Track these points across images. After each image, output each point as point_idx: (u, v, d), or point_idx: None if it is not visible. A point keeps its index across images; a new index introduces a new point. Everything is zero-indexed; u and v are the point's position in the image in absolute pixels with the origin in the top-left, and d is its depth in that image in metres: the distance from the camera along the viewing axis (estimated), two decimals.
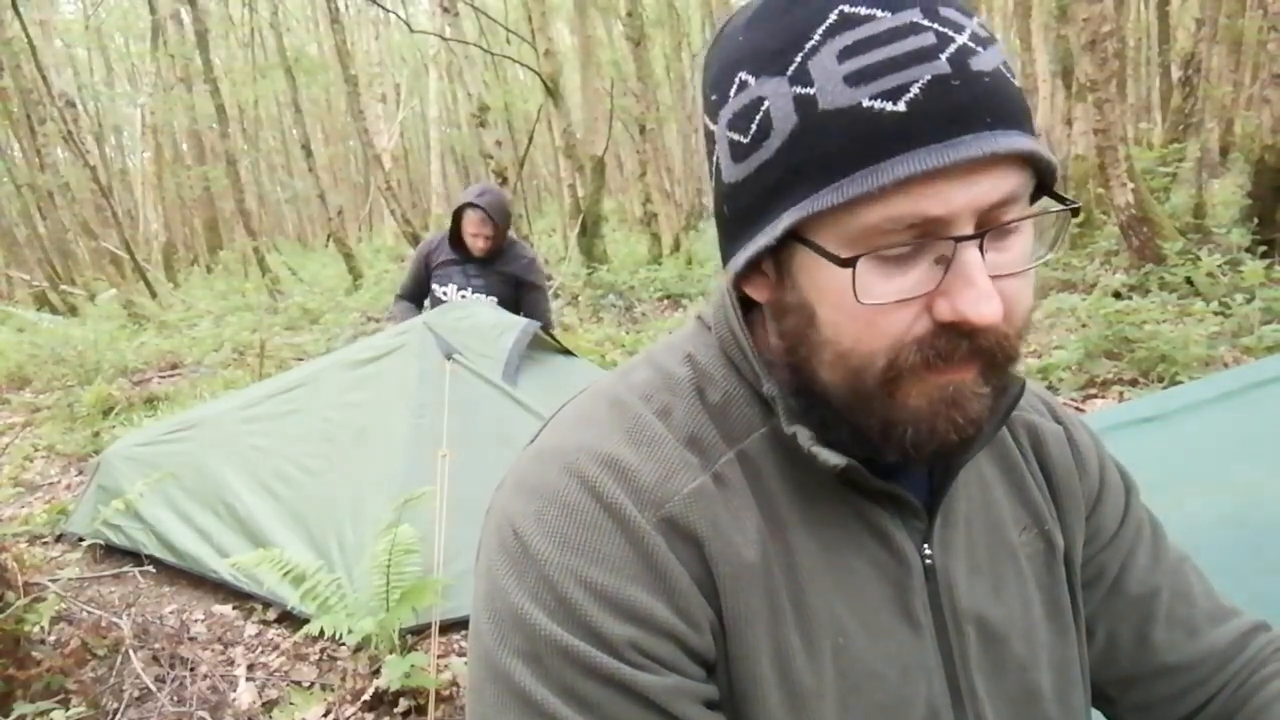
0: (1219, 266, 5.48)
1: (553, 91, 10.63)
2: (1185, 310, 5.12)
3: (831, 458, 0.56)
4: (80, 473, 4.66)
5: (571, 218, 11.84)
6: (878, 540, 0.61)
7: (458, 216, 3.56)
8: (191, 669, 2.59)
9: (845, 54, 0.49)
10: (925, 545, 0.63)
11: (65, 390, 6.37)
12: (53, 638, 2.47)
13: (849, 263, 0.50)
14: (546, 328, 3.73)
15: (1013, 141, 0.49)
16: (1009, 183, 0.50)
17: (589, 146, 11.79)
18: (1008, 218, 0.51)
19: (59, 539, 3.60)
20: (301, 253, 22.83)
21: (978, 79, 0.49)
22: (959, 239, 0.50)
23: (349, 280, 12.84)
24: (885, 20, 0.49)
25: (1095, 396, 4.31)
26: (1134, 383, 4.36)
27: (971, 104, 0.48)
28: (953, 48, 0.49)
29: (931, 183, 0.48)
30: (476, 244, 3.55)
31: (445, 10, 9.73)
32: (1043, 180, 0.54)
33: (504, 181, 9.60)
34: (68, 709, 2.12)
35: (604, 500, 0.56)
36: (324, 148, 27.84)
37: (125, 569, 3.22)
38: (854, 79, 0.49)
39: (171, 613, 2.97)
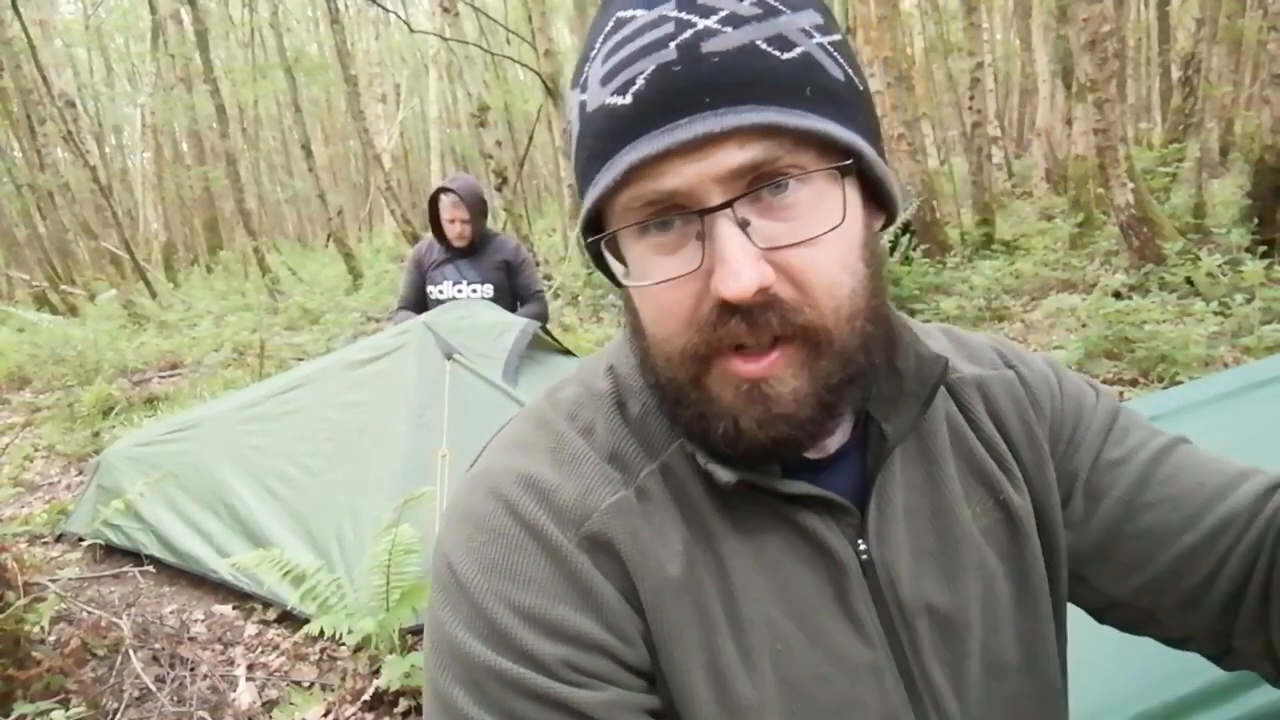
0: (1219, 266, 5.47)
1: (553, 91, 10.63)
2: (1185, 310, 5.12)
3: (724, 475, 0.56)
4: (80, 473, 4.66)
5: (571, 218, 11.85)
6: (808, 542, 0.60)
7: (434, 206, 3.60)
8: (191, 669, 2.59)
9: (606, 57, 0.52)
10: (860, 540, 0.61)
11: (65, 390, 6.36)
12: (53, 638, 2.46)
13: (595, 245, 0.55)
14: (542, 309, 3.77)
15: (732, 118, 0.48)
16: (751, 151, 0.49)
17: None
18: (763, 182, 0.51)
19: (59, 539, 3.60)
20: (301, 253, 22.81)
21: (704, 60, 0.49)
22: (704, 212, 0.50)
23: (349, 280, 12.84)
24: (640, 18, 0.51)
25: None
26: (1134, 383, 4.36)
27: (691, 87, 0.49)
28: (688, 34, 0.49)
29: (659, 165, 0.50)
30: (454, 229, 3.58)
31: (445, 10, 9.73)
32: (854, 153, 0.53)
33: (504, 181, 9.60)
34: (68, 709, 2.12)
35: (525, 522, 0.57)
36: (324, 148, 27.84)
37: (125, 569, 3.22)
38: (605, 79, 0.52)
39: (171, 613, 2.97)
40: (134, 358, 7.66)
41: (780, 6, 0.51)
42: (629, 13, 0.52)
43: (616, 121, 0.51)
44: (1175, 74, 11.42)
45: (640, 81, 0.50)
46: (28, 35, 11.41)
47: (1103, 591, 0.69)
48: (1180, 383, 3.80)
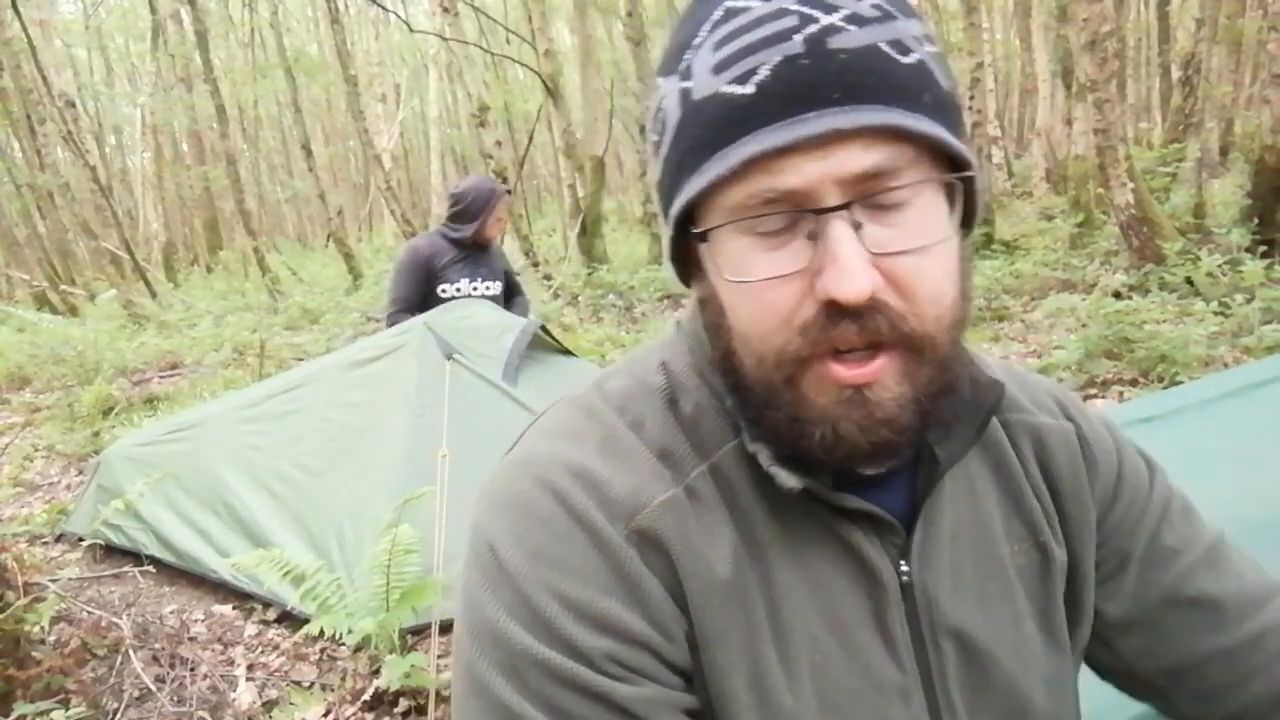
0: (1219, 266, 5.47)
1: (553, 91, 10.64)
2: (1185, 310, 5.12)
3: (789, 480, 0.55)
4: (80, 473, 4.66)
5: (571, 218, 11.86)
6: (852, 558, 0.60)
7: (493, 207, 3.54)
8: (191, 669, 2.59)
9: (718, 46, 0.51)
10: (903, 561, 0.61)
11: (65, 390, 6.37)
12: (53, 638, 2.47)
13: (703, 237, 0.53)
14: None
15: (862, 116, 0.48)
16: (875, 154, 0.49)
17: (589, 146, 11.78)
18: (888, 186, 0.50)
19: (59, 539, 3.60)
20: (301, 253, 22.81)
21: (832, 57, 0.48)
22: (820, 211, 0.49)
23: (349, 280, 12.84)
24: (756, 9, 0.50)
25: (1095, 396, 4.31)
26: (1134, 383, 4.36)
27: (819, 81, 0.48)
28: (813, 28, 0.49)
29: (779, 160, 0.49)
30: (499, 228, 3.65)
31: (445, 10, 9.73)
32: (957, 158, 0.53)
33: (504, 181, 9.60)
34: (68, 709, 2.12)
35: (575, 512, 0.56)
36: (324, 148, 27.83)
37: (125, 569, 3.22)
38: (718, 68, 0.51)
39: (171, 613, 2.97)
40: (134, 358, 7.66)
41: (895, 12, 0.51)
42: (742, 3, 0.51)
43: (735, 111, 0.50)
44: (1175, 74, 11.42)
45: (764, 72, 0.49)
46: (28, 35, 11.42)
47: (1125, 659, 0.71)
48: (1180, 383, 3.80)
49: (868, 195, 0.49)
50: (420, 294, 3.69)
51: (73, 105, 13.83)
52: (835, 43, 0.49)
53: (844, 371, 0.51)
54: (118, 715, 2.35)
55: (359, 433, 3.13)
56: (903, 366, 0.52)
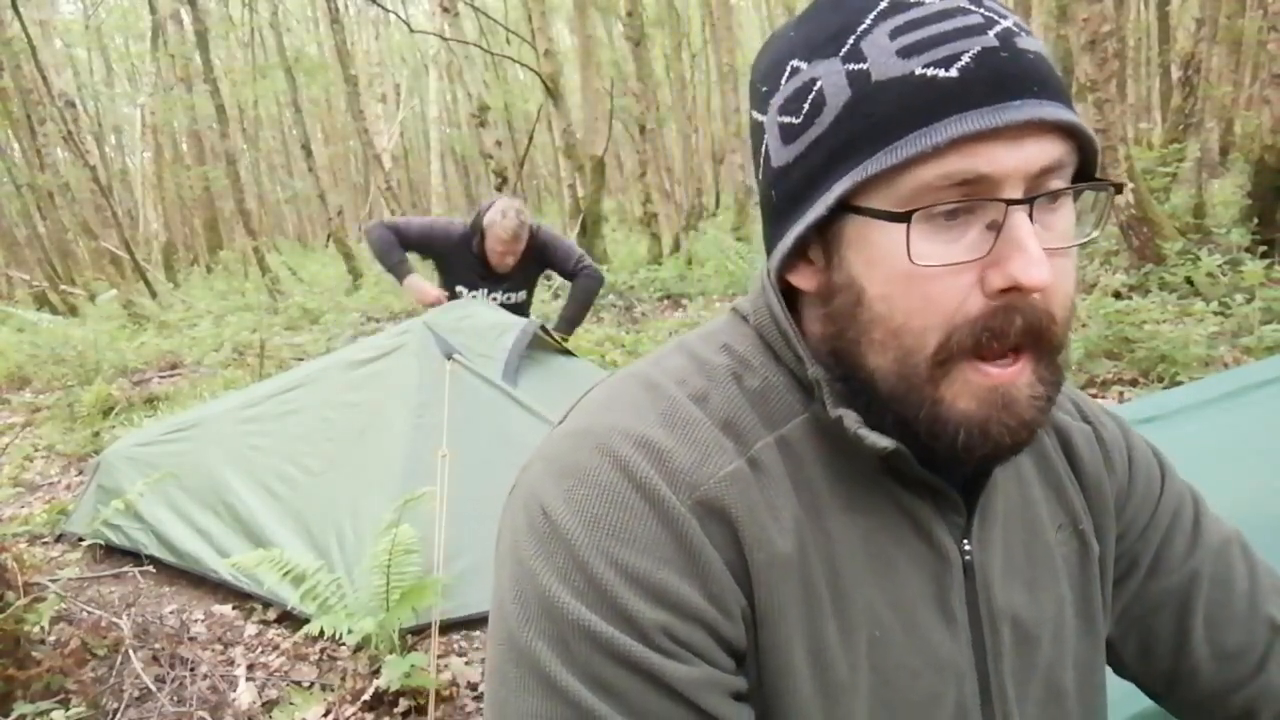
0: (1219, 266, 5.47)
1: (553, 91, 10.63)
2: (1185, 310, 5.11)
3: (880, 440, 0.55)
4: (80, 473, 4.66)
5: (571, 218, 11.85)
6: (918, 534, 0.60)
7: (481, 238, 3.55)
8: (191, 669, 2.59)
9: (897, 32, 0.52)
10: (965, 541, 0.62)
11: (65, 390, 6.36)
12: (53, 638, 2.46)
13: (904, 217, 0.51)
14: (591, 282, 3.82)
15: (1059, 111, 0.51)
16: (1055, 151, 0.51)
17: (589, 146, 11.78)
18: (1054, 187, 0.52)
19: (59, 539, 3.60)
20: (301, 253, 22.82)
21: (1024, 54, 0.51)
22: (1010, 202, 0.50)
23: (349, 280, 12.83)
24: (933, 4, 0.52)
25: (1095, 396, 4.31)
26: (1134, 383, 4.36)
27: (1020, 73, 0.51)
28: (999, 27, 0.52)
29: (982, 143, 0.50)
30: (500, 259, 3.58)
31: (445, 10, 9.73)
32: (1083, 165, 0.55)
33: (504, 181, 9.60)
34: (68, 709, 2.12)
35: (637, 480, 0.55)
36: (324, 148, 27.81)
37: (125, 569, 3.22)
38: (906, 52, 0.51)
39: (171, 613, 2.97)
40: (134, 358, 7.65)
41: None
42: None
43: (937, 92, 0.50)
44: (1175, 74, 11.42)
45: (966, 59, 0.50)
46: (28, 35, 11.41)
47: (1122, 660, 0.72)
48: (1180, 383, 3.80)
49: (1042, 190, 0.52)
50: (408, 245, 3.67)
51: (73, 105, 13.85)
52: (1021, 43, 0.52)
53: (994, 370, 0.52)
54: (118, 715, 2.35)
55: (359, 433, 3.13)
56: (1037, 369, 0.54)
